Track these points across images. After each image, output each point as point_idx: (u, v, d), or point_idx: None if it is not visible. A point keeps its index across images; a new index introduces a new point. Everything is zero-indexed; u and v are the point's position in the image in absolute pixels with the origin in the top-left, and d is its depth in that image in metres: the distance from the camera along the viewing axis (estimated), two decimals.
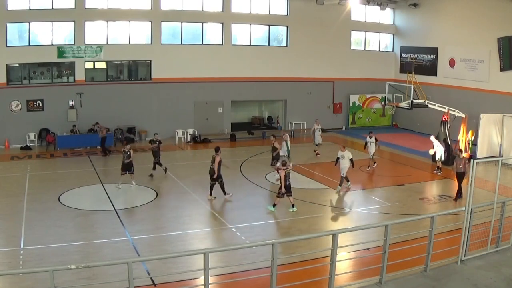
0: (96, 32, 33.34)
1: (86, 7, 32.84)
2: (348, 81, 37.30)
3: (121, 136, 33.52)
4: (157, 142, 24.55)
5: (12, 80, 33.06)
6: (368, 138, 25.79)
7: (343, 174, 21.28)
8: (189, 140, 34.09)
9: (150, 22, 33.90)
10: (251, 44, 35.70)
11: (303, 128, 36.74)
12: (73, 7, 32.59)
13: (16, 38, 33.10)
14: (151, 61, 34.21)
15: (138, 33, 34.06)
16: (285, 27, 35.97)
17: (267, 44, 35.96)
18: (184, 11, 34.09)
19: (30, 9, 32.32)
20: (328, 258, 10.73)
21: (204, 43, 34.93)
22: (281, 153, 24.91)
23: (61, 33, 33.31)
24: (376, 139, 25.64)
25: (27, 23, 32.75)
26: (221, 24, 34.85)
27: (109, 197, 20.97)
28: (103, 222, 17.99)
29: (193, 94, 34.70)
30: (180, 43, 34.51)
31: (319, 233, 15.69)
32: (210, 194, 20.40)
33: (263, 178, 23.86)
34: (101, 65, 34.15)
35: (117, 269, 11.83)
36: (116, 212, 18.90)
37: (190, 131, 34.65)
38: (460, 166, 19.81)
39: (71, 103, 33.11)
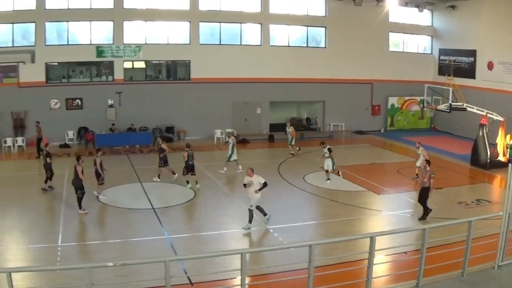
0: (135, 32, 32.37)
1: (125, 7, 32.54)
2: (387, 83, 35.82)
3: (159, 136, 32.87)
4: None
5: (51, 78, 32.32)
6: (417, 150, 23.34)
7: (251, 206, 16.34)
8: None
9: (188, 23, 32.86)
10: (290, 45, 34.51)
11: (341, 129, 35.53)
12: (112, 7, 32.22)
13: (54, 37, 32.42)
14: (189, 61, 33.14)
15: (177, 33, 33.01)
16: (324, 28, 34.69)
17: (306, 45, 34.72)
18: (222, 11, 33.00)
19: (68, 8, 31.80)
20: (365, 261, 10.40)
21: (242, 43, 33.87)
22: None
23: (100, 33, 32.36)
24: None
25: (66, 23, 32.26)
26: (260, 25, 33.71)
27: (147, 196, 20.44)
28: (141, 220, 17.63)
29: (232, 95, 33.42)
30: (219, 43, 33.46)
31: (356, 236, 15.41)
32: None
33: (301, 179, 22.78)
34: (140, 64, 33.14)
35: (154, 267, 11.25)
36: (154, 211, 18.42)
37: (229, 131, 33.80)
38: (425, 180, 17.34)
39: (110, 102, 32.19)
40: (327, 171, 22.50)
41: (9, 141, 30.92)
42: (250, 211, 16.25)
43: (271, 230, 16.42)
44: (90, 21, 32.11)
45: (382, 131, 36.88)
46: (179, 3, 32.81)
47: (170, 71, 34.04)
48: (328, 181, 22.31)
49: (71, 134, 32.00)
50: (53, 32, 32.36)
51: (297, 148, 28.93)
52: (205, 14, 33.07)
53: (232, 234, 16.37)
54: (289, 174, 24.09)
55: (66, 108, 32.10)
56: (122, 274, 12.27)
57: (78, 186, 18.21)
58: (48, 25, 31.97)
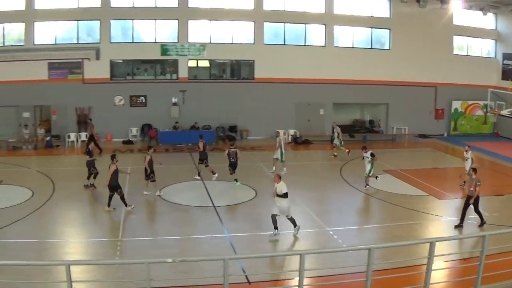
0: (199, 31, 32.20)
1: (190, 6, 32.50)
2: (450, 86, 34.87)
3: (222, 134, 32.55)
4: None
5: (116, 75, 32.27)
6: (464, 153, 21.83)
7: (275, 212, 15.27)
8: (290, 140, 32.40)
9: (253, 22, 32.64)
10: (354, 46, 33.96)
11: (404, 133, 34.70)
12: (177, 6, 32.23)
13: (119, 35, 32.58)
14: (253, 61, 32.83)
15: (241, 33, 32.75)
16: (388, 30, 34.12)
17: (370, 47, 34.16)
18: (287, 11, 32.60)
19: (133, 6, 31.93)
20: (424, 267, 10.20)
21: (306, 44, 33.37)
22: (276, 156, 23.74)
23: (165, 31, 32.35)
24: (472, 159, 21.34)
25: (131, 21, 32.44)
26: (324, 26, 33.21)
27: (208, 194, 20.20)
28: (202, 217, 17.53)
29: (295, 95, 32.86)
30: (283, 43, 33.06)
31: (416, 240, 14.97)
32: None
33: (363, 182, 21.79)
34: (204, 63, 33.01)
35: (213, 265, 11.46)
36: (215, 209, 18.20)
37: (291, 131, 32.74)
38: (471, 189, 16.18)
39: (174, 100, 31.91)
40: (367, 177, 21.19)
41: (73, 136, 30.88)
42: (273, 216, 15.23)
43: (331, 232, 16.00)
44: (155, 19, 32.07)
45: (445, 135, 36.02)
46: (244, 3, 32.59)
47: (234, 70, 33.74)
48: (378, 179, 21.20)
49: (134, 130, 31.79)
50: (118, 29, 32.39)
51: (335, 154, 27.76)
52: (270, 14, 32.79)
53: (291, 235, 15.95)
54: (351, 176, 23.34)
55: (130, 105, 31.95)
56: (181, 271, 12.17)
57: (114, 186, 17.87)
58: (113, 22, 32.03)
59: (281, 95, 32.84)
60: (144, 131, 31.87)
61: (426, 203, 19.82)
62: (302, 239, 15.56)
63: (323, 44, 33.60)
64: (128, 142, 31.30)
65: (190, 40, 32.24)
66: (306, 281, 10.02)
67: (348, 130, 33.83)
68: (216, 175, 22.06)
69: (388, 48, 34.57)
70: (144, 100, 31.93)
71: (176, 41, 32.16)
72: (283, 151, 23.78)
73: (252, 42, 32.99)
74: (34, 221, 17.13)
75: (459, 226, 16.40)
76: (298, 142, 32.26)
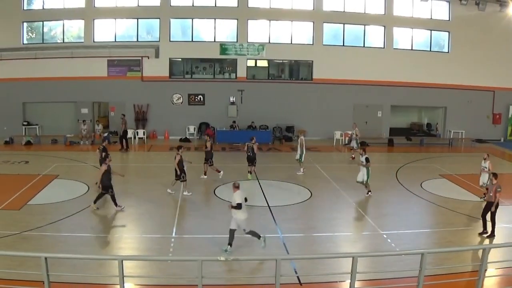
0: (259, 31, 31.86)
1: (249, 5, 32.35)
2: (508, 91, 34.03)
3: (279, 135, 32.22)
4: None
5: (175, 74, 32.10)
6: (482, 162, 19.38)
7: (232, 226, 13.89)
8: (346, 142, 32.18)
9: (312, 23, 32.45)
10: (413, 48, 33.29)
11: (461, 137, 33.64)
12: (236, 5, 32.12)
13: (179, 34, 32.54)
14: (312, 61, 32.40)
15: (300, 33, 32.29)
16: (447, 33, 33.36)
17: (429, 49, 33.39)
18: (346, 12, 32.10)
19: (193, 6, 31.94)
20: (476, 273, 10.07)
21: (365, 45, 32.81)
22: (297, 157, 23.42)
23: (224, 30, 32.11)
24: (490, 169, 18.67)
25: (190, 20, 32.39)
26: (383, 27, 32.67)
27: (263, 193, 19.84)
28: (256, 217, 17.03)
29: (353, 96, 32.33)
30: (342, 44, 32.50)
31: (469, 247, 14.75)
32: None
33: (419, 186, 21.33)
34: (263, 63, 32.64)
35: (265, 264, 11.58)
36: (270, 209, 17.87)
37: (348, 133, 32.88)
38: (491, 194, 15.28)
39: (231, 99, 31.59)
40: (362, 182, 19.84)
41: (130, 133, 30.70)
42: (251, 232, 13.93)
43: (385, 236, 15.48)
44: (215, 18, 31.92)
45: (502, 140, 35.30)
46: (303, 3, 32.33)
47: (292, 70, 33.35)
48: (370, 193, 19.73)
49: (192, 129, 31.53)
50: (178, 28, 32.26)
51: (353, 156, 26.82)
52: (329, 14, 32.40)
53: (345, 237, 15.74)
54: (407, 180, 22.67)
55: (188, 103, 31.74)
56: (232, 269, 12.14)
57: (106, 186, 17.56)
58: (173, 21, 31.93)
59: (339, 96, 32.38)
60: (202, 129, 31.65)
61: (481, 208, 18.94)
62: (355, 242, 15.24)
63: (382, 46, 33.11)
64: (185, 140, 31.07)
65: (249, 39, 32.00)
66: (357, 284, 9.92)
67: (405, 133, 33.31)
68: (221, 172, 21.65)
69: (447, 51, 33.90)
70: (202, 99, 31.70)
71: (235, 40, 31.92)
72: (304, 151, 23.23)
73: (311, 43, 32.64)
74: (89, 216, 17.25)
75: (484, 233, 15.59)
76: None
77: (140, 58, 31.48)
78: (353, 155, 26.60)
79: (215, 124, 31.30)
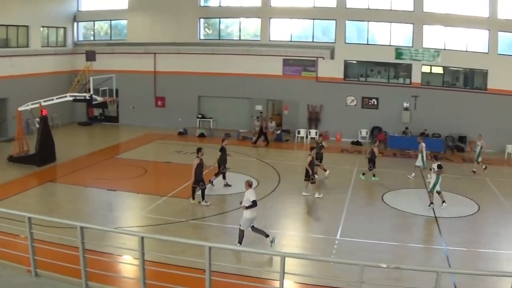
0: (434, 36, 30.95)
1: (424, 10, 31.79)
2: None
3: (451, 144, 31.57)
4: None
5: (349, 76, 31.82)
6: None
7: (240, 226, 14.32)
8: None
9: (487, 31, 31.93)
10: None
11: None
12: (412, 9, 31.71)
13: (354, 36, 32.46)
14: (487, 70, 31.62)
15: (475, 40, 30.99)
16: None
17: None
18: None
19: (368, 8, 31.67)
20: None
21: None
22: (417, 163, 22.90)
23: (399, 35, 31.31)
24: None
25: (366, 22, 32.28)
26: None
27: (432, 203, 18.93)
28: (421, 227, 17.17)
29: None
30: None
31: None
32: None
33: None
34: (438, 70, 31.94)
35: (425, 276, 10.94)
36: (436, 220, 17.39)
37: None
38: None
39: (405, 104, 30.79)
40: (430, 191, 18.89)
41: (302, 132, 31.02)
42: (240, 231, 14.11)
43: None
44: (390, 22, 31.59)
45: None
46: (478, 9, 31.48)
47: (467, 79, 32.52)
48: (444, 204, 18.71)
49: (364, 132, 31.36)
50: (353, 30, 32.21)
51: (484, 166, 24.98)
52: (504, 23, 31.10)
53: (508, 255, 14.87)
54: None
55: (361, 106, 31.58)
56: (393, 277, 11.95)
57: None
58: (348, 23, 31.90)
59: None
60: (374, 133, 31.49)
61: None
62: None
63: None
64: (357, 143, 30.96)
65: (425, 45, 31.48)
66: None
67: None
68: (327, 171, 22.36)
69: None
70: (375, 103, 31.43)
71: (410, 45, 31.54)
72: (424, 159, 22.81)
73: (486, 51, 31.75)
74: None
75: None
76: None
77: (316, 58, 31.64)
78: (484, 166, 25.05)
79: (388, 129, 30.95)
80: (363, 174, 22.48)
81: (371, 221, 17.33)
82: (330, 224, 16.65)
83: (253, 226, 14.25)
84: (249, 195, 13.96)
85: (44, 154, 23.85)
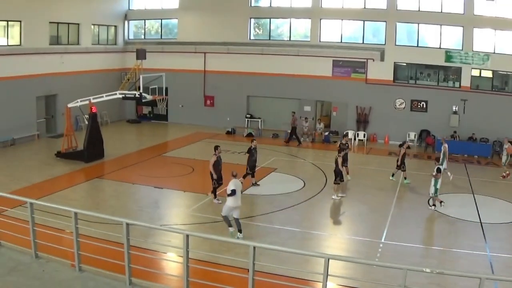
0: (484, 40, 30.58)
1: (475, 13, 31.50)
2: None
3: (498, 149, 31.49)
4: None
5: (398, 78, 31.72)
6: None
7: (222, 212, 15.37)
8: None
9: None
10: None
11: None
12: (462, 12, 31.49)
13: (404, 38, 32.38)
14: None
15: None
16: None
17: None
18: None
19: (419, 10, 31.59)
20: None
21: None
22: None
23: (449, 37, 31.17)
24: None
25: (416, 24, 32.22)
26: None
27: (477, 208, 18.99)
28: (466, 232, 16.86)
29: None
30: None
31: None
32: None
33: None
34: (487, 73, 31.75)
35: (468, 282, 10.64)
36: (481, 225, 17.14)
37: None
38: None
39: (454, 108, 30.63)
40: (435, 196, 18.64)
41: (351, 134, 31.19)
42: (222, 216, 15.03)
43: None
44: (440, 25, 31.45)
45: None
46: None
47: None
48: (442, 205, 18.56)
49: (412, 135, 31.42)
50: (403, 32, 32.15)
51: (505, 174, 24.36)
52: None
53: None
54: None
55: (410, 109, 31.59)
56: (435, 282, 11.95)
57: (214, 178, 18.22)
58: (399, 25, 31.82)
59: None
60: (422, 137, 31.56)
61: None
62: None
63: None
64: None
65: (475, 48, 31.31)
66: None
67: None
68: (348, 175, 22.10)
69: None
70: (424, 106, 31.36)
71: (460, 48, 31.40)
72: (446, 160, 22.98)
73: None
74: (301, 211, 18.16)
75: None
76: None
77: (365, 60, 31.70)
78: (505, 173, 24.52)
79: (436, 132, 30.93)
80: (405, 178, 22.22)
81: (418, 226, 17.46)
82: (376, 227, 16.70)
83: (236, 218, 14.82)
84: (230, 185, 14.67)
85: (92, 150, 24.39)
